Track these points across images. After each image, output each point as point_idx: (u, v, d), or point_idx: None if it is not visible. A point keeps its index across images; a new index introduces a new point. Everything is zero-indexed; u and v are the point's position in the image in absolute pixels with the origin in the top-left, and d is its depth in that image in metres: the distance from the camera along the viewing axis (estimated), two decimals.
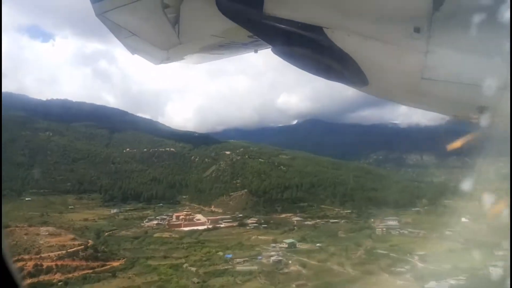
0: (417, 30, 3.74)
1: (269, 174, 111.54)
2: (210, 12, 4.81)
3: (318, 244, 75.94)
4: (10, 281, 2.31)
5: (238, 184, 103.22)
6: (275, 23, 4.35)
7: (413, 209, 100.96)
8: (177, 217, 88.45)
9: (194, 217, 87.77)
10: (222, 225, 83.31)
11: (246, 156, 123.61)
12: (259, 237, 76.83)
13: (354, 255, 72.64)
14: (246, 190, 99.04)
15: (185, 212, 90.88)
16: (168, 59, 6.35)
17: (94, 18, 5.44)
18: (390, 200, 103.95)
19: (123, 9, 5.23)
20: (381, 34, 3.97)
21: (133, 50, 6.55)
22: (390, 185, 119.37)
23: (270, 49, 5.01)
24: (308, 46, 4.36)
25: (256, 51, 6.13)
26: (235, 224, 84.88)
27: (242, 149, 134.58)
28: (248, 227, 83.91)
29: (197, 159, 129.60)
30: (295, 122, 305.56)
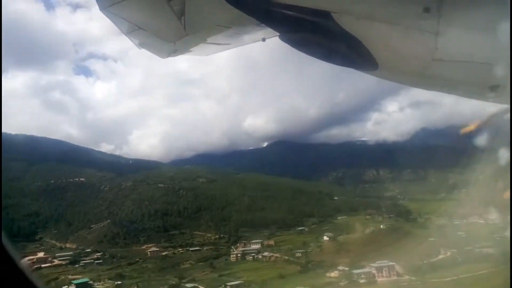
0: (426, 10, 3.72)
1: (153, 200, 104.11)
2: (215, 2, 4.88)
3: (118, 283, 66.20)
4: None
5: (105, 214, 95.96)
6: (283, 10, 4.32)
7: (298, 228, 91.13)
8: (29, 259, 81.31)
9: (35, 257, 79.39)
10: (47, 265, 73.85)
11: (145, 183, 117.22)
12: (70, 276, 67.93)
13: None
14: (109, 220, 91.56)
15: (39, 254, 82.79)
16: (175, 52, 6.24)
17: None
18: (278, 219, 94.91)
19: (127, 2, 5.05)
20: (389, 16, 3.96)
21: (140, 44, 6.30)
22: (294, 203, 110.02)
23: (277, 37, 4.89)
24: (316, 32, 4.32)
25: (264, 40, 5.94)
26: (64, 262, 74.28)
27: (156, 175, 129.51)
28: (77, 265, 74.15)
29: (106, 188, 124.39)
30: (265, 144, 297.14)
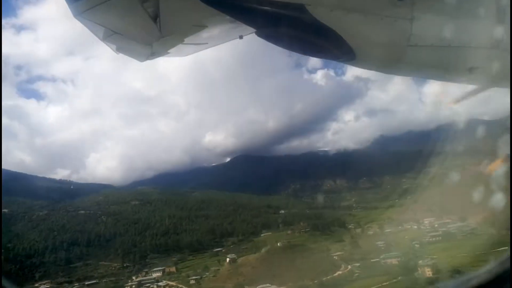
0: None
1: (64, 230, 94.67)
2: (190, 2, 4.87)
3: None
4: None
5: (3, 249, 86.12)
6: (257, 6, 4.35)
7: (215, 249, 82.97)
8: None
9: None
10: None
11: (62, 210, 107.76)
12: None
13: None
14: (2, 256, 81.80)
15: None
16: (153, 55, 6.19)
17: None
18: (194, 242, 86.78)
19: (101, 7, 4.88)
20: (364, 5, 3.96)
21: (117, 49, 6.22)
22: (224, 221, 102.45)
23: (254, 33, 4.92)
24: (292, 25, 4.31)
25: (241, 37, 6.00)
26: None
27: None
28: None
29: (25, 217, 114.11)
30: (227, 159, 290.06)
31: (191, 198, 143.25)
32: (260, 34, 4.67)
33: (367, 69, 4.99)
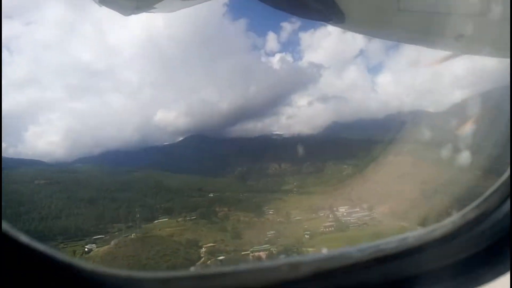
0: None
1: None
2: None
3: None
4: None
5: None
6: None
7: (95, 237, 72.77)
8: None
9: None
10: None
11: None
12: None
13: None
14: None
15: None
16: (138, 9, 6.03)
17: None
18: (71, 227, 76.19)
19: None
20: None
21: (100, 1, 6.05)
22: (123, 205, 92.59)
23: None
24: None
25: None
26: None
27: None
28: None
29: None
30: (180, 139, 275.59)
31: (120, 179, 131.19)
32: None
33: (357, 32, 4.97)
